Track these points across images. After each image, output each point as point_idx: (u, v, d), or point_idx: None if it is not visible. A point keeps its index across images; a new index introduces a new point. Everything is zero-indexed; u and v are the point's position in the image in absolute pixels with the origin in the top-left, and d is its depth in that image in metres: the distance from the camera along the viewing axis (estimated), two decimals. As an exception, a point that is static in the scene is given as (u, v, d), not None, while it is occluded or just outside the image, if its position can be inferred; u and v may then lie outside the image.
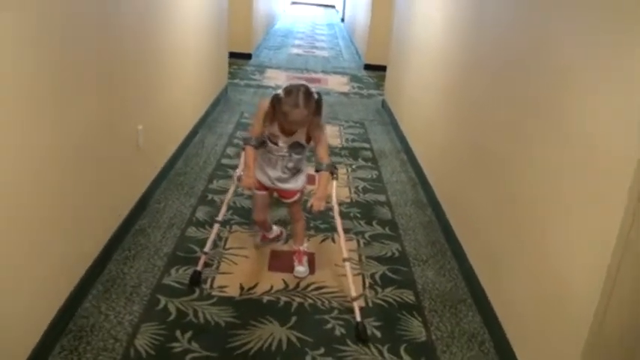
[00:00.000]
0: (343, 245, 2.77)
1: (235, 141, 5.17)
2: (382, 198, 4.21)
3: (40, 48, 2.15)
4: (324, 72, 9.10)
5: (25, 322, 2.20)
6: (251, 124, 2.85)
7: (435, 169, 4.21)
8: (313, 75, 8.74)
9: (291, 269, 3.07)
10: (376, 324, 2.72)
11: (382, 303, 2.90)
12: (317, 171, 2.82)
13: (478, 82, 3.35)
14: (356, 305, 2.69)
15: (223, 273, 3.04)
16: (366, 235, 3.60)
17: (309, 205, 2.73)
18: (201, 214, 3.68)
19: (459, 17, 3.95)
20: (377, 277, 3.13)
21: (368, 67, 9.45)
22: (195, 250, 3.19)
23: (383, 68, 7.52)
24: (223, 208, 2.95)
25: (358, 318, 2.65)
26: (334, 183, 2.84)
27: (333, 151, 5.14)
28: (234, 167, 2.79)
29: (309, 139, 2.82)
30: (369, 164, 4.94)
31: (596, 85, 1.97)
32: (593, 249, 1.89)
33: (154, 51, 3.76)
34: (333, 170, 2.82)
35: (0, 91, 1.88)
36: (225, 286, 2.92)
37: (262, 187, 2.95)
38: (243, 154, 2.87)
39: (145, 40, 3.57)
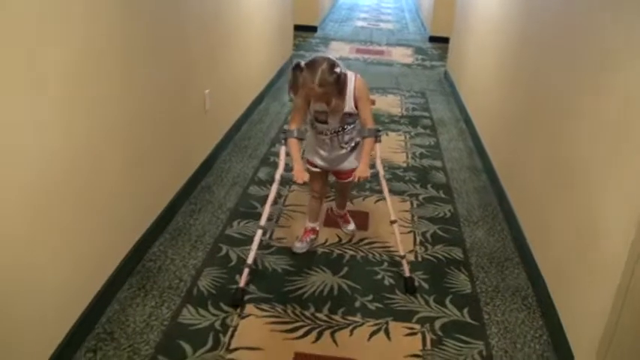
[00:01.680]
0: (391, 208, 2.80)
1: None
2: (438, 164, 4.31)
3: (113, 17, 2.37)
4: (388, 44, 9.15)
5: (99, 259, 2.45)
6: (290, 116, 2.80)
7: (492, 137, 4.27)
8: (377, 47, 8.81)
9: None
10: (424, 277, 2.86)
11: (431, 258, 3.03)
12: (359, 134, 2.78)
13: (533, 55, 3.40)
14: (405, 262, 2.79)
15: (282, 226, 3.24)
16: (420, 197, 3.72)
17: (352, 176, 2.71)
18: (262, 174, 3.88)
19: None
20: (428, 235, 3.26)
21: (433, 39, 9.44)
22: (256, 207, 3.40)
23: (447, 40, 7.52)
24: (265, 213, 2.72)
25: (407, 273, 2.78)
26: (378, 147, 2.79)
27: (392, 120, 5.26)
28: (282, 139, 2.77)
29: (357, 106, 2.70)
30: (428, 132, 5.03)
31: (633, 61, 2.03)
32: (628, 206, 1.97)
33: (221, 20, 3.97)
34: (376, 135, 2.73)
35: (76, 61, 2.10)
36: (283, 238, 3.11)
37: (318, 167, 2.90)
38: (282, 149, 2.77)
39: (213, 9, 3.77)
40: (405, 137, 4.84)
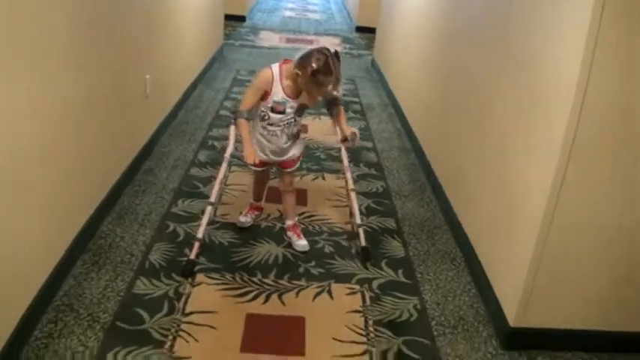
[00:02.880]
0: (349, 178, 3.02)
1: (232, 95, 5.49)
2: (369, 145, 4.56)
3: (59, 10, 2.47)
4: (316, 34, 9.37)
5: (53, 237, 2.54)
6: (244, 97, 2.81)
7: (418, 119, 4.54)
8: (306, 37, 9.01)
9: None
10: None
11: (367, 228, 3.25)
12: (329, 102, 2.91)
13: (453, 41, 3.69)
14: (361, 231, 2.95)
15: (225, 204, 3.40)
16: (354, 175, 3.93)
17: (341, 137, 2.97)
18: (202, 156, 4.02)
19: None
20: (362, 208, 3.49)
21: (359, 29, 9.72)
22: (199, 186, 3.55)
23: (373, 30, 7.79)
24: (215, 189, 2.84)
25: (363, 243, 2.94)
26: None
27: (323, 104, 5.44)
28: (232, 119, 2.88)
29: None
30: (358, 116, 5.28)
31: (543, 44, 2.31)
32: (541, 170, 2.24)
33: (159, 8, 4.06)
34: (340, 101, 2.95)
35: (23, 47, 2.20)
36: (226, 214, 3.27)
37: (261, 163, 2.87)
38: (232, 129, 2.84)
39: (146, 4, 3.88)
40: (337, 121, 5.06)
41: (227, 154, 2.86)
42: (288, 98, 2.71)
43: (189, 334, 2.33)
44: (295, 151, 2.93)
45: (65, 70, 2.51)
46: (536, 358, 2.39)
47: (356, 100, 5.79)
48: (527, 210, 2.33)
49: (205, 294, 2.60)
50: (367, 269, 2.86)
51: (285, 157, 2.91)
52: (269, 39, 8.52)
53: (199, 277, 2.71)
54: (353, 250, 3.02)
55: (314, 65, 2.52)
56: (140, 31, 3.64)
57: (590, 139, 2.07)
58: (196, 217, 3.15)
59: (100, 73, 2.95)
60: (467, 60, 3.37)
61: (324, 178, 3.86)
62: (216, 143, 4.25)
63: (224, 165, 2.87)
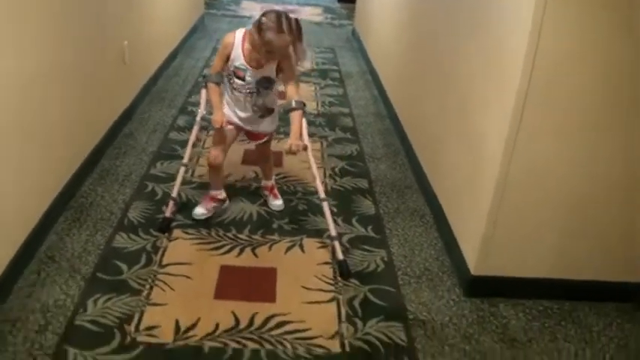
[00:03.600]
0: (319, 187, 2.78)
1: (211, 64, 5.55)
2: (346, 110, 4.67)
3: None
4: (298, 4, 9.40)
5: (35, 196, 2.64)
6: (213, 62, 2.84)
7: (394, 86, 4.65)
8: (288, 7, 9.03)
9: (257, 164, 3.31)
10: (334, 203, 3.20)
11: (340, 188, 3.38)
12: (287, 111, 2.76)
13: (426, 11, 3.78)
14: (337, 244, 2.68)
15: (201, 166, 3.47)
16: (329, 139, 4.06)
17: (286, 147, 2.67)
18: (181, 121, 4.12)
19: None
20: (337, 169, 3.61)
21: (341, -1, 9.76)
22: (177, 149, 3.64)
23: (354, 0, 7.83)
24: (188, 150, 2.90)
25: (340, 256, 2.65)
26: (304, 121, 2.79)
27: (303, 73, 5.54)
28: (202, 83, 2.93)
29: (278, 73, 2.72)
30: (336, 83, 5.38)
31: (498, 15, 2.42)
32: (498, 122, 2.36)
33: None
34: (303, 108, 2.76)
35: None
36: (202, 175, 3.36)
37: (227, 123, 2.81)
38: (203, 92, 2.91)
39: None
40: (316, 88, 5.17)
41: (198, 117, 2.88)
42: (247, 66, 2.67)
43: (166, 284, 2.45)
44: (265, 127, 2.87)
45: (43, 35, 2.59)
46: (498, 304, 2.53)
47: (335, 68, 5.88)
48: (486, 163, 2.45)
49: (181, 247, 2.72)
50: (346, 282, 2.58)
51: (252, 128, 2.86)
52: (250, 9, 8.55)
53: (176, 232, 2.82)
54: (328, 210, 2.78)
55: (263, 21, 2.52)
56: (117, 2, 3.70)
57: (542, 91, 2.18)
58: (174, 178, 3.23)
59: (78, 38, 3.03)
60: (434, 27, 3.48)
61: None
62: (194, 109, 4.33)
63: (195, 127, 2.92)
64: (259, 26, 2.53)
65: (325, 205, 2.75)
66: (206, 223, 2.92)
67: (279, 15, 2.54)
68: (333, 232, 2.71)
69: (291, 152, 2.67)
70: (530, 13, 2.09)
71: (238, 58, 2.68)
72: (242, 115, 2.81)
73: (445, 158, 3.10)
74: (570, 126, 2.26)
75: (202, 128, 3.35)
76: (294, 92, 2.74)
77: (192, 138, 2.93)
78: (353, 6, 8.03)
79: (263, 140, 2.93)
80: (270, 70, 2.69)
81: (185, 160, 2.92)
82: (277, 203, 3.11)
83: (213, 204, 2.98)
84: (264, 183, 3.18)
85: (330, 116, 4.50)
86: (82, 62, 3.10)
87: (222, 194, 3.00)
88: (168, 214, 2.87)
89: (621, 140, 2.29)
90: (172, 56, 5.48)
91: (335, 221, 2.95)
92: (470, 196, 2.66)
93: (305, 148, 2.72)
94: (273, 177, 3.20)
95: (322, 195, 2.76)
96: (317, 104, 4.74)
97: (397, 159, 3.85)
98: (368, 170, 3.65)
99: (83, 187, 3.13)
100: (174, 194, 2.89)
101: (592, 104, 2.22)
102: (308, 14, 8.60)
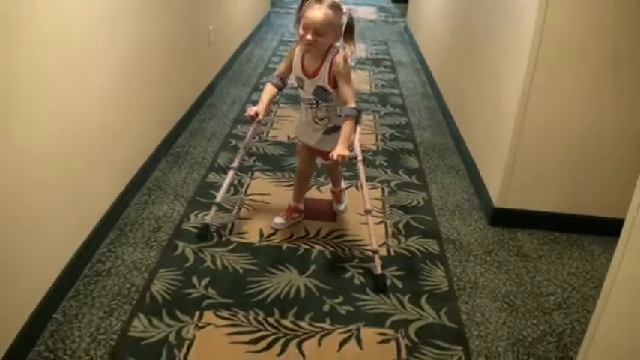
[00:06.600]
0: (366, 197, 2.62)
1: (278, 52, 6.27)
2: (396, 91, 5.30)
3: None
4: (355, 4, 10.07)
5: (143, 141, 3.36)
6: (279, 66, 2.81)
7: (439, 71, 5.26)
8: (345, 7, 9.69)
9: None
10: (384, 159, 3.82)
11: (389, 149, 4.00)
12: (339, 116, 2.60)
13: (466, 8, 4.41)
14: (377, 257, 2.60)
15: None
16: (381, 112, 4.70)
17: (330, 154, 2.46)
18: (255, 96, 4.82)
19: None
20: (387, 135, 4.23)
21: (395, 0, 10.38)
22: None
23: (407, 1, 8.46)
24: (240, 154, 2.85)
25: (379, 270, 2.59)
26: (358, 129, 2.62)
27: (359, 61, 6.21)
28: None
29: (334, 85, 2.56)
30: (388, 70, 6.01)
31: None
32: (515, 83, 2.95)
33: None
34: (357, 115, 2.56)
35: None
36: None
37: (304, 147, 2.87)
38: (263, 91, 2.79)
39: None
40: (370, 73, 5.82)
41: (259, 117, 2.69)
42: (303, 75, 2.62)
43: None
44: (332, 146, 2.53)
45: (147, 18, 3.28)
46: (516, 232, 3.10)
47: (387, 57, 6.52)
48: (505, 118, 3.04)
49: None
50: (382, 298, 2.51)
51: (317, 144, 2.76)
52: (311, 8, 9.25)
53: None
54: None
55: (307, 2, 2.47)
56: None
57: (552, 49, 2.75)
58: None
59: (175, 21, 3.75)
60: (471, 19, 4.09)
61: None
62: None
63: (252, 127, 2.80)
64: (302, 1, 2.49)
65: (370, 218, 2.62)
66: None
67: None
68: (374, 245, 2.61)
69: (334, 162, 2.52)
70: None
71: (296, 68, 2.64)
72: (312, 130, 2.74)
73: (476, 123, 3.70)
74: (574, 87, 2.83)
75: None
76: (349, 98, 2.54)
77: (247, 140, 2.87)
78: (405, 5, 8.67)
79: (330, 162, 2.55)
80: (322, 78, 2.56)
81: (235, 164, 2.84)
82: (340, 208, 3.14)
83: (294, 214, 3.00)
84: (331, 188, 3.14)
85: (382, 96, 5.14)
86: (177, 41, 3.81)
87: (301, 206, 3.03)
88: (209, 219, 2.86)
89: (622, 94, 2.83)
90: (244, 45, 6.22)
91: (385, 171, 3.59)
92: (494, 148, 3.25)
93: (349, 159, 2.54)
94: (342, 186, 3.15)
95: (368, 206, 2.61)
96: (370, 86, 5.39)
97: (439, 128, 4.46)
98: (414, 136, 4.26)
99: (179, 141, 3.85)
100: (218, 199, 2.84)
101: (597, 64, 2.78)
102: (363, 13, 9.27)
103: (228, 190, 3.11)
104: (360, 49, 6.75)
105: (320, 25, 2.42)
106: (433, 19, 5.91)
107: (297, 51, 2.63)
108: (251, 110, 2.66)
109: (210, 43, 4.62)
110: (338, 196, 3.13)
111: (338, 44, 2.56)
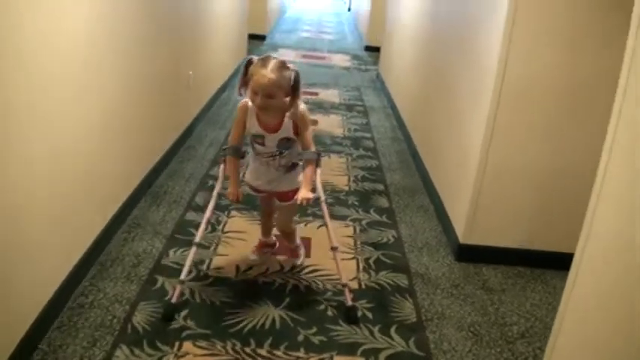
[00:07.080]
0: (332, 235, 2.73)
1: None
2: (368, 135, 5.51)
3: (132, 24, 3.44)
4: (329, 51, 10.41)
5: (121, 181, 3.48)
6: (230, 132, 2.80)
7: (409, 116, 5.49)
8: (319, 54, 10.02)
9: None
10: (355, 199, 3.99)
11: (361, 190, 4.17)
12: (300, 161, 2.70)
13: (431, 51, 4.65)
14: (347, 291, 2.72)
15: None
16: (354, 155, 4.89)
17: (295, 197, 2.59)
18: (232, 139, 4.98)
19: (424, 8, 5.24)
20: (359, 177, 4.41)
21: (368, 48, 10.71)
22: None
23: (380, 49, 8.76)
24: (202, 228, 2.71)
25: (349, 302, 2.71)
26: (319, 172, 2.70)
27: (332, 106, 6.44)
28: (221, 155, 2.81)
29: (296, 132, 2.62)
30: (361, 115, 6.24)
31: (481, 42, 3.24)
32: (479, 128, 3.15)
33: (200, 23, 5.09)
34: (317, 159, 2.66)
35: (99, 50, 3.17)
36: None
37: (259, 191, 2.86)
38: (221, 167, 2.74)
39: (194, 15, 4.87)
40: (343, 118, 6.04)
41: (214, 192, 2.74)
42: (264, 132, 2.61)
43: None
44: (289, 184, 2.72)
45: (134, 70, 3.45)
46: (481, 267, 3.26)
47: (360, 103, 6.76)
48: (470, 162, 3.24)
49: None
50: (353, 329, 2.63)
51: (278, 188, 2.77)
52: (286, 55, 9.52)
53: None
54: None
55: (254, 58, 2.55)
56: (186, 38, 4.64)
57: (510, 103, 2.98)
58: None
59: (160, 70, 3.93)
60: (438, 66, 4.34)
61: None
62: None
63: (212, 203, 2.74)
64: (247, 65, 2.54)
65: (337, 254, 2.74)
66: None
67: (268, 56, 2.54)
68: (343, 280, 2.74)
69: (293, 205, 2.70)
70: (498, 47, 2.92)
71: (253, 126, 2.62)
72: (266, 178, 2.75)
73: (443, 164, 3.90)
74: (541, 121, 3.03)
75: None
76: (309, 143, 2.64)
77: (208, 214, 2.73)
78: (378, 54, 8.96)
79: (290, 202, 2.73)
80: (286, 130, 2.60)
81: (197, 240, 2.72)
82: (297, 262, 3.12)
83: (265, 249, 3.16)
84: (287, 243, 3.14)
85: (355, 139, 5.34)
86: (159, 85, 3.98)
87: (271, 239, 3.17)
88: (174, 299, 2.64)
89: (578, 136, 3.04)
90: (222, 89, 6.42)
91: (356, 210, 3.76)
92: (459, 187, 3.43)
93: (308, 202, 2.59)
94: (297, 241, 3.15)
95: (334, 244, 2.72)
96: (343, 130, 5.59)
97: (409, 170, 4.65)
98: (384, 178, 4.45)
99: (157, 181, 3.97)
100: (182, 276, 2.66)
101: (554, 109, 3.00)
102: (338, 60, 9.56)
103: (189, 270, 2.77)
104: (333, 95, 7.00)
105: (269, 89, 2.44)
106: (403, 66, 6.18)
107: (250, 111, 2.61)
108: (233, 196, 2.68)
109: (189, 88, 4.79)
110: (294, 252, 3.14)
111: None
